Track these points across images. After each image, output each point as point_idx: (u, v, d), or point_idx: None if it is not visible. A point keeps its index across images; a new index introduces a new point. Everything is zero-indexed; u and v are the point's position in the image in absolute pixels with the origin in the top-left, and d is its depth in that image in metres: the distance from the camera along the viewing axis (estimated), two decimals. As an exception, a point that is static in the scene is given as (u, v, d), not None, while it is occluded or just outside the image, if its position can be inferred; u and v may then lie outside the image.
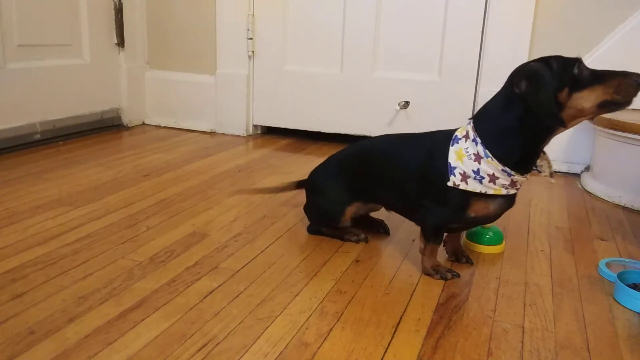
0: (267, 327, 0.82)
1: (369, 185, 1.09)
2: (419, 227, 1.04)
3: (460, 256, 1.08)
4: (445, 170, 0.94)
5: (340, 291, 0.94)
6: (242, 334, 0.80)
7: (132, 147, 1.93)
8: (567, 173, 1.80)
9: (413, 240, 1.19)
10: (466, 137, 0.94)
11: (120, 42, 2.19)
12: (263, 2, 2.07)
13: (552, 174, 0.96)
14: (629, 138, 1.47)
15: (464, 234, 1.18)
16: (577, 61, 0.87)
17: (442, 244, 1.09)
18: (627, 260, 1.12)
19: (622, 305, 0.94)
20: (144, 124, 2.32)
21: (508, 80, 0.91)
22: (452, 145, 0.95)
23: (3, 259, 1.01)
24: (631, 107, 0.88)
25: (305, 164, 1.79)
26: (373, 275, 1.01)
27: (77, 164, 1.67)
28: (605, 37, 1.72)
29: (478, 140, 0.92)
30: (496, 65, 1.82)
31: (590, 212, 1.43)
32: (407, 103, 1.96)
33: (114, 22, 2.15)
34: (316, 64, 2.07)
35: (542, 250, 1.16)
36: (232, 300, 0.89)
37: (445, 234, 1.07)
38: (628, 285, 0.95)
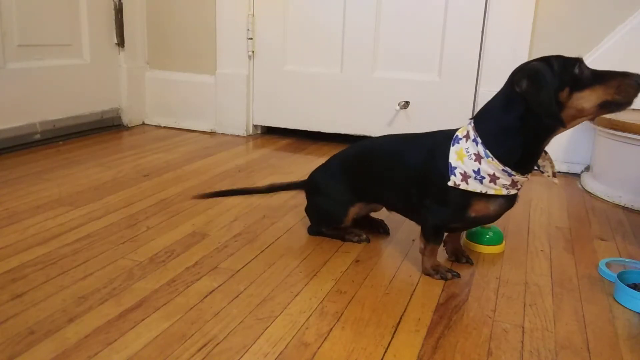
0: (267, 327, 0.82)
1: (370, 185, 1.09)
2: (420, 227, 1.05)
3: (460, 256, 1.08)
4: (446, 170, 0.94)
5: (340, 291, 0.94)
6: (242, 334, 0.80)
7: (132, 147, 1.93)
8: (567, 173, 1.80)
9: (413, 240, 1.19)
10: (467, 137, 0.94)
11: (120, 42, 2.19)
12: (263, 2, 2.07)
13: (555, 174, 0.96)
14: (629, 138, 1.47)
15: (464, 234, 1.18)
16: (578, 61, 0.87)
17: (442, 244, 1.09)
18: (627, 260, 1.12)
19: (622, 305, 0.94)
20: (144, 124, 2.32)
21: (509, 80, 0.91)
22: (453, 145, 0.95)
23: (3, 259, 1.01)
24: (631, 107, 0.88)
25: (305, 164, 1.79)
26: (373, 275, 1.01)
27: (77, 164, 1.67)
28: (605, 37, 1.72)
29: (478, 140, 0.92)
30: (496, 65, 1.82)
31: (590, 212, 1.43)
32: (407, 103, 1.96)
33: (114, 22, 2.15)
34: (316, 64, 2.07)
35: (542, 250, 1.16)
36: (232, 300, 0.89)
37: (445, 234, 1.07)
38: (628, 285, 0.95)
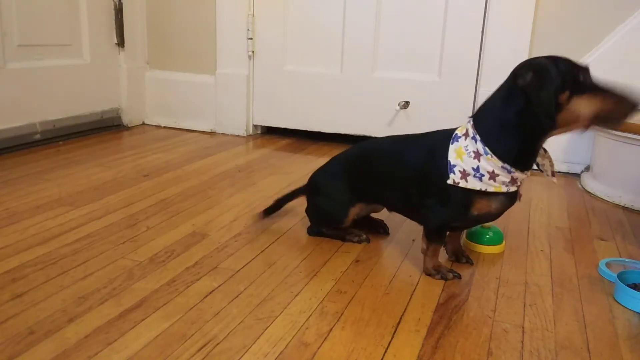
0: (267, 327, 0.82)
1: (371, 186, 1.09)
2: (420, 227, 1.05)
3: (460, 256, 1.09)
4: (446, 169, 0.94)
5: (340, 291, 0.94)
6: (242, 334, 0.80)
7: (132, 147, 1.93)
8: (567, 173, 1.80)
9: (413, 240, 1.19)
10: (466, 135, 0.94)
11: (120, 42, 2.19)
12: (263, 2, 2.07)
13: (554, 172, 0.96)
14: (629, 138, 1.47)
15: (463, 234, 1.18)
16: (585, 68, 0.88)
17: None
18: (627, 260, 1.12)
19: (622, 305, 0.94)
20: (144, 124, 2.32)
21: (512, 73, 0.91)
22: (452, 143, 0.95)
23: (3, 259, 1.01)
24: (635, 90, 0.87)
25: (305, 164, 1.79)
26: (373, 275, 1.01)
27: (77, 164, 1.67)
28: (605, 37, 1.72)
29: (477, 137, 0.92)
30: (496, 65, 1.82)
31: (590, 212, 1.43)
32: (407, 103, 1.96)
33: (114, 22, 2.15)
34: (316, 64, 2.07)
35: (542, 250, 1.16)
36: (232, 300, 0.89)
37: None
38: (628, 285, 0.95)
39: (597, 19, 1.72)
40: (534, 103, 0.87)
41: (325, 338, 0.80)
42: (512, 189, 0.95)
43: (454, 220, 1.00)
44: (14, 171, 1.57)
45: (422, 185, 0.99)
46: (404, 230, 1.24)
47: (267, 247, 1.11)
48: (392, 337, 0.81)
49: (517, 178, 0.93)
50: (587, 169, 1.74)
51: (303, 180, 1.28)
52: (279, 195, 1.28)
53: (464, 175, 0.93)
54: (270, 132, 2.24)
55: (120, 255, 1.05)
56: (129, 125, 2.25)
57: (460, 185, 0.93)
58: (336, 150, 1.20)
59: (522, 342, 0.82)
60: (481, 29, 1.83)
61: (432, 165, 0.97)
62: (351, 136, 2.07)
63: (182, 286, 0.93)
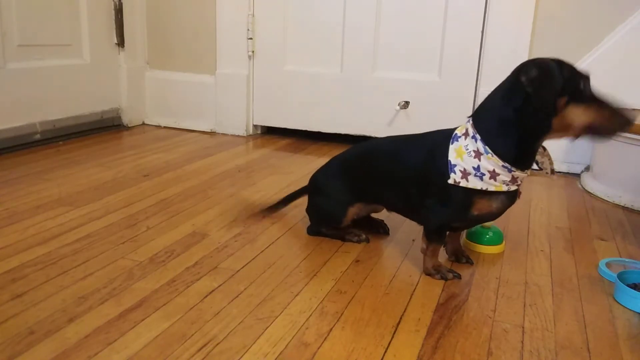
0: (267, 327, 0.82)
1: (371, 186, 1.09)
2: (420, 227, 1.05)
3: (460, 256, 1.09)
4: (446, 168, 0.94)
5: (340, 291, 0.94)
6: (242, 334, 0.80)
7: (132, 147, 1.93)
8: (567, 173, 1.80)
9: (413, 240, 1.19)
10: (466, 134, 0.94)
11: (120, 42, 2.19)
12: (263, 2, 2.07)
13: (553, 170, 0.96)
14: (629, 138, 1.47)
15: (463, 234, 1.18)
16: (586, 77, 0.88)
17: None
18: (627, 260, 1.12)
19: (622, 305, 0.94)
20: (144, 124, 2.32)
21: (515, 70, 0.90)
22: (452, 143, 0.95)
23: (3, 259, 1.01)
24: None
25: (305, 164, 1.79)
26: (373, 275, 1.01)
27: (77, 164, 1.67)
28: (605, 37, 1.72)
29: (477, 136, 0.92)
30: (496, 65, 1.82)
31: (590, 212, 1.43)
32: (407, 103, 1.96)
33: (114, 22, 2.15)
34: (316, 64, 2.07)
35: (542, 250, 1.16)
36: (232, 300, 0.89)
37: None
38: (628, 285, 0.95)
39: (597, 19, 1.72)
40: (535, 100, 0.87)
41: (325, 338, 0.80)
42: (513, 188, 0.95)
43: (454, 220, 1.00)
44: (14, 171, 1.57)
45: (422, 185, 0.99)
46: (404, 230, 1.24)
47: (267, 247, 1.11)
48: (392, 337, 0.81)
49: (517, 177, 0.93)
50: (587, 169, 1.74)
51: (303, 180, 1.29)
52: (280, 195, 1.28)
53: (465, 174, 0.93)
54: (270, 132, 2.24)
55: (120, 255, 1.05)
56: (129, 125, 2.25)
57: (461, 184, 0.93)
58: (336, 150, 1.20)
59: (522, 342, 0.82)
60: (481, 29, 1.83)
61: (433, 165, 0.97)
62: (351, 136, 2.07)
63: (182, 286, 0.93)
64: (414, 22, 1.91)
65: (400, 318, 0.87)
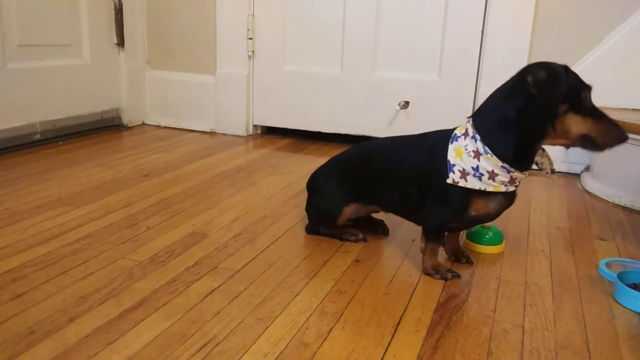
0: (267, 327, 0.82)
1: (369, 186, 1.09)
2: (419, 227, 1.05)
3: (460, 256, 1.09)
4: (445, 168, 0.94)
5: (340, 291, 0.94)
6: (242, 334, 0.80)
7: (132, 147, 1.93)
8: (567, 173, 1.80)
9: (413, 240, 1.19)
10: (465, 134, 0.94)
11: (120, 42, 2.19)
12: (263, 2, 2.07)
13: (553, 170, 0.96)
14: (629, 138, 1.47)
15: (463, 234, 1.18)
16: (588, 87, 0.89)
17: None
18: (627, 260, 1.12)
19: (622, 305, 0.94)
20: (144, 124, 2.32)
21: (521, 70, 0.91)
22: (452, 143, 0.95)
23: (3, 259, 1.01)
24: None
25: (305, 164, 1.79)
26: (373, 275, 1.01)
27: (77, 164, 1.67)
28: (605, 37, 1.72)
29: (477, 136, 0.92)
30: (496, 65, 1.82)
31: (590, 212, 1.43)
32: (407, 103, 1.96)
33: (114, 22, 2.15)
34: (316, 64, 2.06)
35: (542, 250, 1.16)
36: (232, 300, 0.89)
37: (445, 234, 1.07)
38: (628, 285, 0.95)
39: (597, 19, 1.72)
40: (541, 101, 0.87)
41: (325, 338, 0.80)
42: (511, 188, 0.95)
43: (452, 221, 1.00)
44: (14, 171, 1.57)
45: (421, 185, 0.99)
46: (404, 230, 1.24)
47: (267, 247, 1.11)
48: (392, 337, 0.81)
49: (516, 178, 0.93)
50: (587, 169, 1.74)
51: (303, 180, 1.29)
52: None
53: (464, 174, 0.93)
54: (270, 132, 2.24)
55: (120, 255, 1.05)
56: (129, 125, 2.25)
57: (459, 184, 0.93)
58: (336, 150, 1.20)
59: (522, 342, 0.82)
60: (481, 29, 1.83)
61: (432, 164, 0.97)
62: (351, 136, 2.07)
63: (182, 286, 0.93)
64: (414, 22, 1.91)
65: (400, 318, 0.87)
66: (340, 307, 0.89)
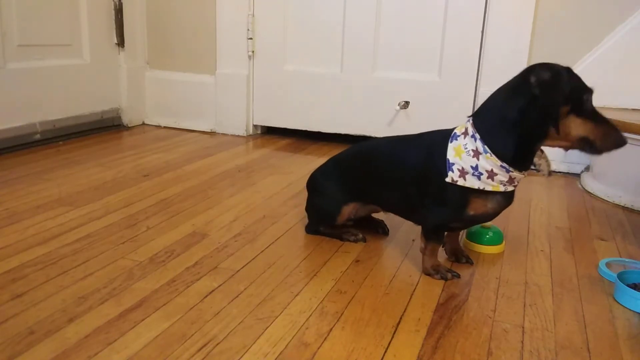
0: (267, 327, 0.82)
1: (368, 186, 1.09)
2: (419, 227, 1.05)
3: (460, 256, 1.09)
4: (444, 167, 0.94)
5: (340, 291, 0.94)
6: (242, 334, 0.80)
7: (132, 147, 1.93)
8: (567, 173, 1.80)
9: (413, 240, 1.19)
10: (465, 133, 0.94)
11: (120, 42, 2.19)
12: (263, 2, 2.07)
13: (550, 172, 0.96)
14: (629, 138, 1.46)
15: (463, 235, 1.18)
16: (590, 91, 0.90)
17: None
18: (627, 260, 1.12)
19: (622, 305, 0.94)
20: (144, 124, 2.32)
21: (525, 70, 0.91)
22: (451, 142, 0.95)
23: (3, 259, 1.01)
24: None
25: (305, 164, 1.79)
26: (373, 275, 1.01)
27: (77, 164, 1.67)
28: (605, 37, 1.72)
29: (477, 136, 0.92)
30: (496, 65, 1.82)
31: (590, 212, 1.43)
32: (407, 103, 1.96)
33: (114, 22, 2.15)
34: (316, 64, 2.06)
35: (542, 250, 1.16)
36: (232, 300, 0.89)
37: (445, 234, 1.07)
38: (628, 285, 0.95)
39: (597, 19, 1.72)
40: (543, 101, 0.87)
41: (325, 338, 0.80)
42: (510, 188, 0.95)
43: (451, 220, 1.00)
44: (14, 171, 1.57)
45: (421, 184, 0.99)
46: (404, 230, 1.24)
47: (267, 247, 1.11)
48: (392, 337, 0.81)
49: (514, 178, 0.93)
50: (587, 169, 1.74)
51: (303, 180, 1.29)
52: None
53: (463, 173, 0.93)
54: (270, 132, 2.24)
55: (120, 255, 1.05)
56: (129, 125, 2.25)
57: (458, 183, 0.93)
58: (336, 150, 1.20)
59: (522, 342, 0.82)
60: (481, 29, 1.83)
61: (432, 163, 0.97)
62: (351, 136, 2.07)
63: (182, 286, 0.93)
64: (414, 22, 1.91)
65: (400, 318, 0.87)
66: (340, 307, 0.89)
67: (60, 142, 1.93)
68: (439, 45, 1.90)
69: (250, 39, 2.10)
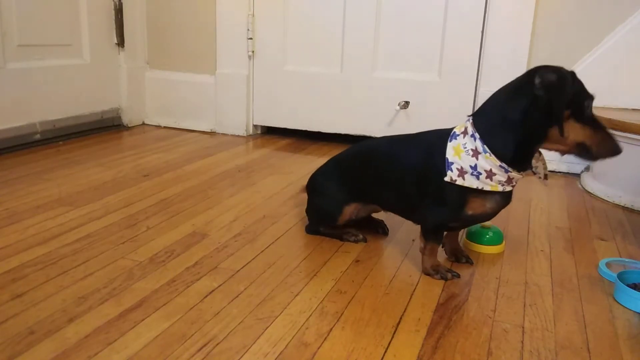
0: (267, 327, 0.82)
1: (368, 186, 1.09)
2: (419, 227, 1.05)
3: (460, 256, 1.09)
4: (444, 166, 0.94)
5: (340, 291, 0.94)
6: (242, 334, 0.80)
7: (132, 147, 1.93)
8: (567, 173, 1.80)
9: (413, 240, 1.19)
10: (464, 133, 0.94)
11: (120, 42, 2.19)
12: (263, 2, 2.07)
13: (547, 175, 0.96)
14: (629, 138, 1.47)
15: (463, 235, 1.18)
16: (591, 98, 0.90)
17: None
18: (627, 260, 1.12)
19: (622, 305, 0.94)
20: (144, 124, 2.32)
21: (530, 72, 0.91)
22: (450, 141, 0.95)
23: (3, 259, 1.01)
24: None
25: (305, 164, 1.79)
26: (373, 275, 1.01)
27: (77, 164, 1.67)
28: (605, 37, 1.72)
29: (477, 135, 0.92)
30: (496, 65, 1.82)
31: (590, 212, 1.43)
32: (407, 103, 1.96)
33: (114, 22, 2.15)
34: (316, 64, 2.07)
35: (542, 250, 1.16)
36: (232, 300, 0.89)
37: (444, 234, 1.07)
38: (628, 285, 0.95)
39: (597, 19, 1.72)
40: (547, 103, 0.87)
41: (325, 338, 0.80)
42: (508, 188, 0.95)
43: (450, 220, 1.00)
44: (14, 171, 1.57)
45: (421, 184, 1.00)
46: (404, 230, 1.24)
47: (267, 247, 1.11)
48: (392, 337, 0.81)
49: (513, 178, 0.93)
50: (587, 169, 1.74)
51: (303, 180, 1.29)
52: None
53: (462, 172, 0.93)
54: (270, 132, 2.24)
55: (120, 255, 1.05)
56: (129, 125, 2.25)
57: (457, 183, 0.93)
58: (336, 150, 1.20)
59: (522, 342, 0.82)
60: (481, 29, 1.83)
61: (431, 163, 0.97)
62: (351, 136, 2.06)
63: (182, 286, 0.94)
64: (414, 22, 1.91)
65: (400, 318, 0.87)
66: (340, 307, 0.89)
67: (60, 142, 1.93)
68: (439, 45, 1.90)
69: (250, 39, 2.10)
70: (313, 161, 1.81)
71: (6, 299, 0.87)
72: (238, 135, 2.18)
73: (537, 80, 0.88)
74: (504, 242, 1.16)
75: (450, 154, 0.94)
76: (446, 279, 1.00)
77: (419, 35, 1.92)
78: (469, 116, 0.97)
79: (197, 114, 2.25)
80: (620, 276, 0.98)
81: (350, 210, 1.12)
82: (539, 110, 0.88)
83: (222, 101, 2.19)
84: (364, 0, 1.94)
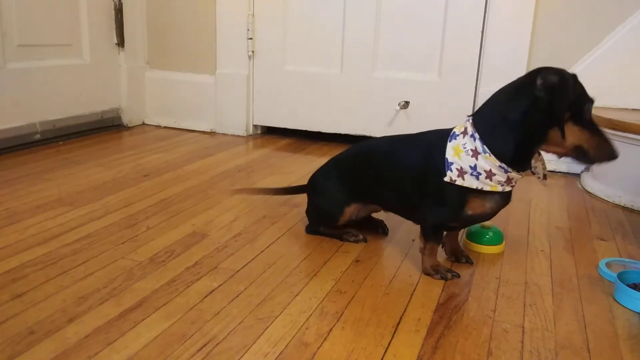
0: (267, 327, 0.82)
1: (368, 186, 1.09)
2: (419, 227, 1.05)
3: (460, 256, 1.09)
4: (443, 166, 0.94)
5: (340, 291, 0.94)
6: (242, 334, 0.80)
7: (132, 147, 1.93)
8: (567, 173, 1.80)
9: (413, 240, 1.19)
10: (464, 133, 0.94)
11: (120, 42, 2.19)
12: (263, 2, 2.07)
13: (546, 176, 0.96)
14: (629, 138, 1.47)
15: (463, 235, 1.18)
16: (591, 101, 0.90)
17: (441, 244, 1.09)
18: (627, 260, 1.12)
19: (622, 305, 0.94)
20: (144, 124, 2.32)
21: (531, 72, 0.91)
22: (450, 141, 0.95)
23: (3, 259, 1.01)
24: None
25: (305, 164, 1.79)
26: (373, 275, 1.01)
27: (77, 164, 1.67)
28: (605, 37, 1.72)
29: (476, 135, 0.92)
30: (496, 65, 1.82)
31: (590, 212, 1.43)
32: (407, 103, 1.96)
33: (114, 22, 2.15)
34: (316, 64, 2.07)
35: (542, 250, 1.16)
36: (232, 300, 0.89)
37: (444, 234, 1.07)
38: (628, 285, 0.95)
39: (597, 19, 1.72)
40: (548, 104, 0.87)
41: (325, 338, 0.80)
42: (507, 188, 0.95)
43: (449, 220, 1.00)
44: (14, 171, 1.57)
45: (420, 184, 1.00)
46: (404, 230, 1.24)
47: (267, 247, 1.11)
48: (392, 337, 0.81)
49: (512, 178, 0.93)
50: (587, 168, 1.74)
51: (303, 181, 1.29)
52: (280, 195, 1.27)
53: (461, 173, 0.93)
54: (270, 132, 2.25)
55: (120, 255, 1.05)
56: (129, 125, 2.25)
57: (457, 183, 0.93)
58: (336, 150, 1.20)
59: (522, 342, 0.82)
60: (481, 29, 1.83)
61: (431, 163, 0.97)
62: (351, 136, 2.07)
63: (182, 286, 0.94)
64: (414, 22, 1.91)
65: (400, 318, 0.87)
66: (340, 307, 0.89)
67: (60, 142, 1.93)
68: (439, 45, 1.90)
69: (250, 39, 2.10)
70: (313, 161, 1.81)
71: (6, 299, 0.87)
72: (238, 135, 2.18)
73: (539, 82, 0.88)
74: (504, 242, 1.16)
75: (450, 154, 0.94)
76: (446, 279, 1.00)
77: (419, 35, 1.92)
78: (468, 116, 0.97)
79: (197, 114, 2.25)
80: (620, 276, 0.98)
81: (350, 211, 1.13)
82: (539, 112, 0.88)
83: (222, 101, 2.19)
84: (364, 0, 1.94)
